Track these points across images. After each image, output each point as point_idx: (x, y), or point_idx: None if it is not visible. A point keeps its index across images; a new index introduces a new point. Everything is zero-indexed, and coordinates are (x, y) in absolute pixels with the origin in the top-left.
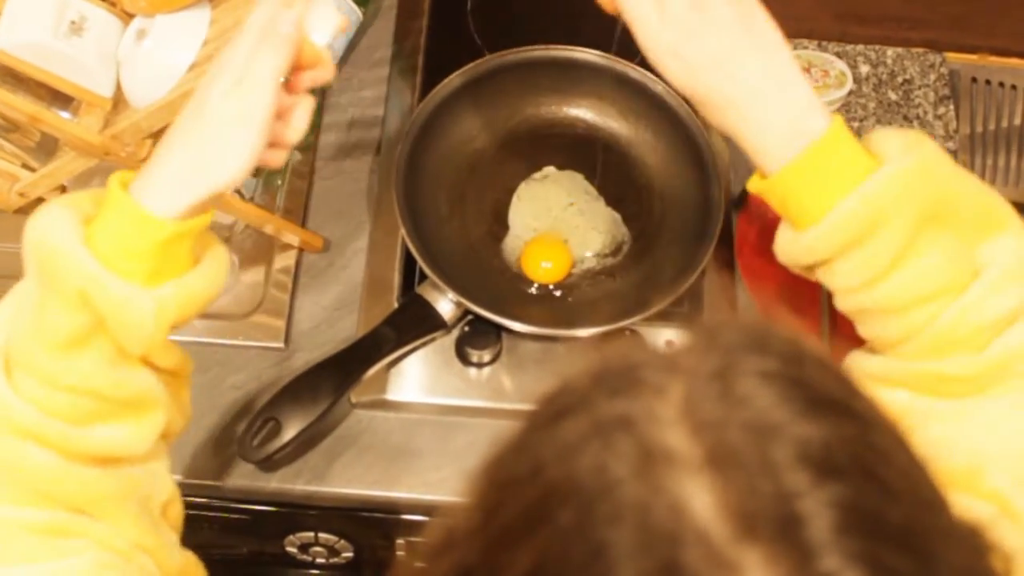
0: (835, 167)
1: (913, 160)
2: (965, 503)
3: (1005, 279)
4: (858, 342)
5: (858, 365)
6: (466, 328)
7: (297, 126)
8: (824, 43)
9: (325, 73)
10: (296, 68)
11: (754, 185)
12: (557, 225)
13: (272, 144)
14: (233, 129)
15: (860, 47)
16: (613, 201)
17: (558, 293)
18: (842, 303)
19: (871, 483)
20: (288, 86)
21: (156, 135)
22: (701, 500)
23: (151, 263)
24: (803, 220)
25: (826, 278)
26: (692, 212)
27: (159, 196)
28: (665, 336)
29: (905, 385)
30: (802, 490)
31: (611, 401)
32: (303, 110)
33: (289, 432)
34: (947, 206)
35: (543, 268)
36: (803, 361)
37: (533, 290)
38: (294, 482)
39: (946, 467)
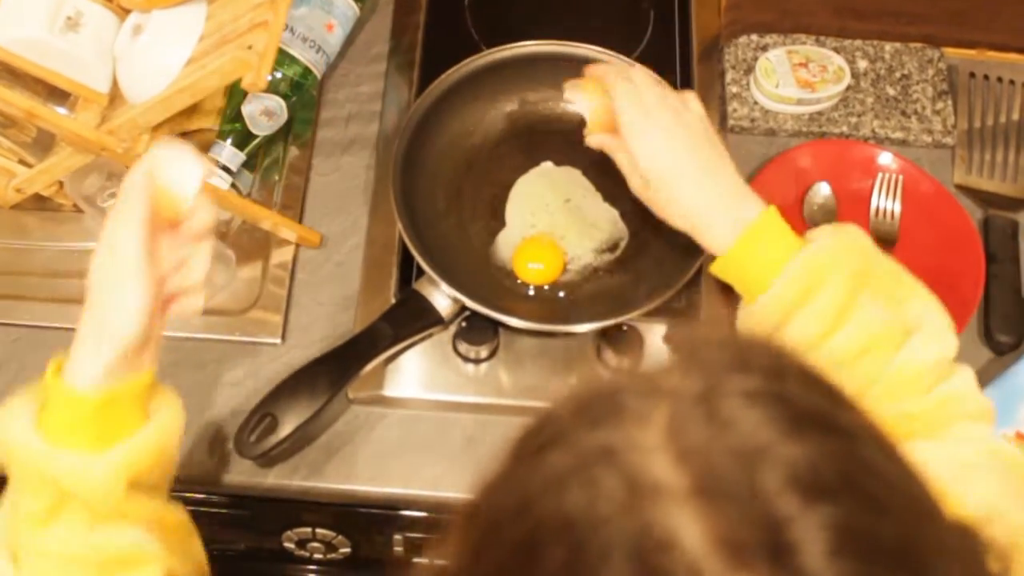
0: (776, 241)
1: (841, 234)
2: None
3: (936, 331)
4: None
5: None
6: (463, 324)
7: (195, 276)
8: (822, 38)
9: (204, 219)
10: (171, 224)
11: (716, 268)
12: (554, 221)
13: (178, 294)
14: (116, 296)
15: (858, 42)
16: (610, 197)
17: (555, 289)
18: None
19: (862, 501)
20: (173, 241)
21: (153, 131)
22: (691, 532)
23: (92, 431)
24: (757, 288)
25: (787, 339)
26: None
27: (78, 370)
28: (663, 332)
29: None
30: (793, 514)
31: (593, 432)
32: (199, 259)
33: (286, 428)
34: (873, 268)
35: (533, 270)
36: (785, 376)
37: (530, 286)
38: (291, 478)
39: None
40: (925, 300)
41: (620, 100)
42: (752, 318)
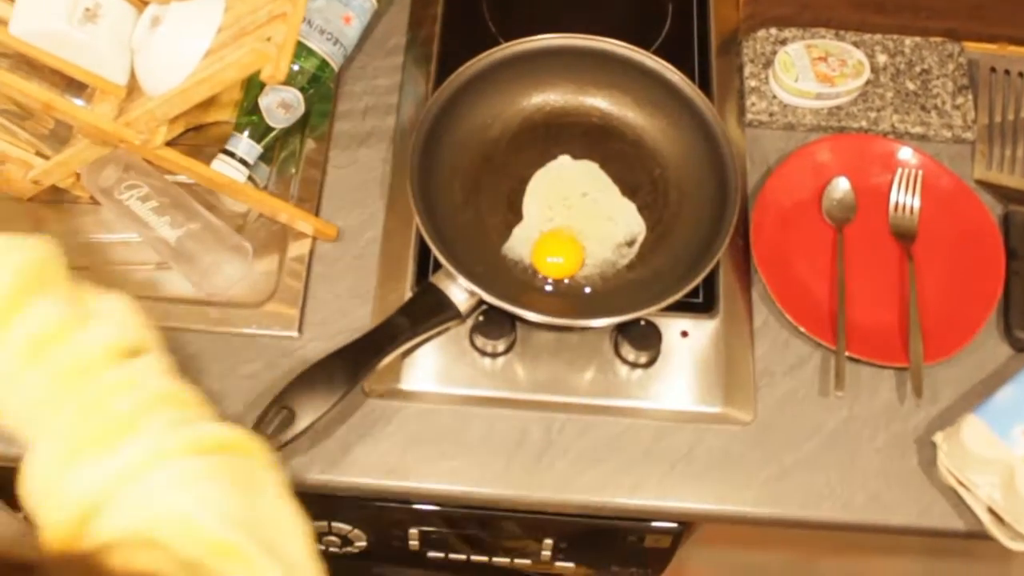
0: None
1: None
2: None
3: (111, 314)
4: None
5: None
6: (480, 318)
7: None
8: (842, 32)
9: None
10: None
11: None
12: (572, 215)
13: None
14: None
15: (878, 36)
16: (628, 191)
17: (573, 283)
18: None
19: None
20: None
21: (170, 123)
22: None
23: None
24: None
25: None
26: (708, 202)
27: None
28: (680, 327)
29: None
30: None
31: None
32: None
33: (303, 421)
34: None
35: (554, 264)
36: None
37: (548, 280)
38: (307, 471)
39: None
40: (104, 295)
41: None
42: None
